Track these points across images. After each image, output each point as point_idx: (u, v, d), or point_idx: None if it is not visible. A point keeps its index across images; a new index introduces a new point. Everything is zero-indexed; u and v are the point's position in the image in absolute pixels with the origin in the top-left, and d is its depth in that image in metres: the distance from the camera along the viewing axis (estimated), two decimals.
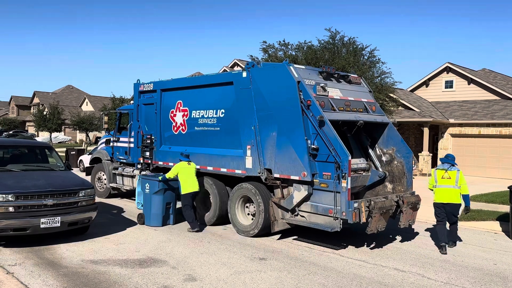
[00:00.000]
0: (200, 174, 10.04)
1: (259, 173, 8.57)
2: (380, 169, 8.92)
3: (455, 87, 25.94)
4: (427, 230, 9.87)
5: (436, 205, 8.25)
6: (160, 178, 9.47)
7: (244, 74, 8.82)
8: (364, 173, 8.71)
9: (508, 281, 6.54)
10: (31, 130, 56.99)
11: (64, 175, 8.78)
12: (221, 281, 6.17)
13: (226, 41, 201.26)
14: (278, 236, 8.77)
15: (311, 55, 18.16)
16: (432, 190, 8.45)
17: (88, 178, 13.33)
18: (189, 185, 9.18)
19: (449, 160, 8.40)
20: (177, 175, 9.25)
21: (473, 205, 12.83)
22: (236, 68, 29.86)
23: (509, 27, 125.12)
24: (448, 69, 25.97)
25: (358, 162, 8.72)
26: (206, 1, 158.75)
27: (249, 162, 8.79)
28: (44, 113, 45.70)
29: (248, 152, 8.78)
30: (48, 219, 7.49)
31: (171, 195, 9.66)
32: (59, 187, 7.86)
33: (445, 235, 8.10)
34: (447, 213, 8.17)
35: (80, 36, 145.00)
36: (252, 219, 8.85)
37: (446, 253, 7.87)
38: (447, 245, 8.05)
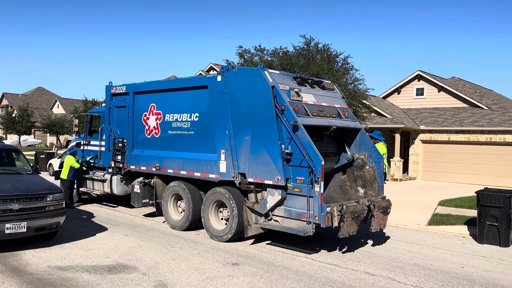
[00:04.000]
0: (173, 178, 9.95)
1: (233, 178, 8.53)
2: (349, 154, 9.12)
3: (426, 95, 26.61)
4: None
5: None
6: None
7: (219, 78, 8.78)
8: (333, 156, 8.99)
9: (475, 283, 6.70)
10: None
11: (31, 179, 8.52)
12: (192, 287, 6.09)
13: (203, 45, 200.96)
14: (251, 240, 8.74)
15: (286, 60, 18.29)
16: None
17: (57, 183, 13.00)
18: None
19: None
20: None
21: (443, 210, 13.18)
22: (212, 72, 29.75)
23: (479, 37, 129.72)
24: (419, 77, 26.63)
25: (328, 146, 9.09)
26: (182, 4, 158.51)
27: (223, 167, 8.74)
28: (13, 115, 44.37)
29: (222, 157, 8.74)
30: (14, 224, 7.25)
31: None
32: (25, 191, 7.63)
33: None
34: None
35: (51, 37, 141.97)
36: (226, 224, 8.79)
37: None
38: None
